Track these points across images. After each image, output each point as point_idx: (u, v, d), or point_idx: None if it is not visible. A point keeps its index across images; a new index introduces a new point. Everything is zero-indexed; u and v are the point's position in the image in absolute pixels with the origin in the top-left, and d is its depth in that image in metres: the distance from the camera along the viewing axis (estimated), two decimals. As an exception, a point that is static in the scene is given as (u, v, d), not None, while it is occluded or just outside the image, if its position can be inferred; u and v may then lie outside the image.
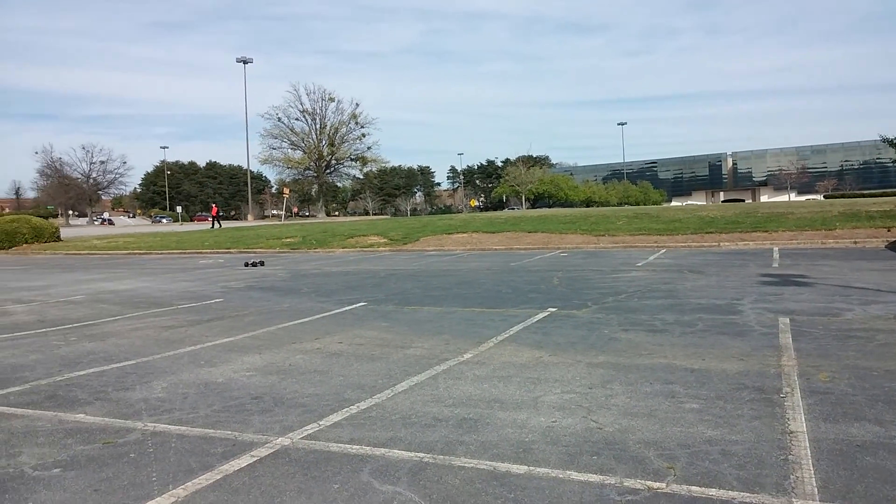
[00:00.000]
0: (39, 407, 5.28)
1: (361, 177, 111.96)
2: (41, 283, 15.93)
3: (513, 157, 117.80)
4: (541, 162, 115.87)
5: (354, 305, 10.49)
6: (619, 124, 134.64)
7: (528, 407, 4.91)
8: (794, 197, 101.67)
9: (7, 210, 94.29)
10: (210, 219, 54.47)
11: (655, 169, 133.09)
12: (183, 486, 3.64)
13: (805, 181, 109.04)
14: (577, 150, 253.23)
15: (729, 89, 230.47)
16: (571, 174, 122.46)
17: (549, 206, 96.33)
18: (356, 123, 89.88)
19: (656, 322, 8.12)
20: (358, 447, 4.18)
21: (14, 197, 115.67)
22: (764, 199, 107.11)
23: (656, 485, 3.47)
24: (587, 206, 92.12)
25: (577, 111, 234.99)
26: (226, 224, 58.35)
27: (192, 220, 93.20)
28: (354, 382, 5.77)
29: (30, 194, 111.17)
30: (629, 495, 3.37)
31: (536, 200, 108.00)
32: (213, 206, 59.06)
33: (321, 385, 5.73)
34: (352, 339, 7.77)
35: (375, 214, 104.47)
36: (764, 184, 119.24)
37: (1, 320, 10.09)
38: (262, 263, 18.01)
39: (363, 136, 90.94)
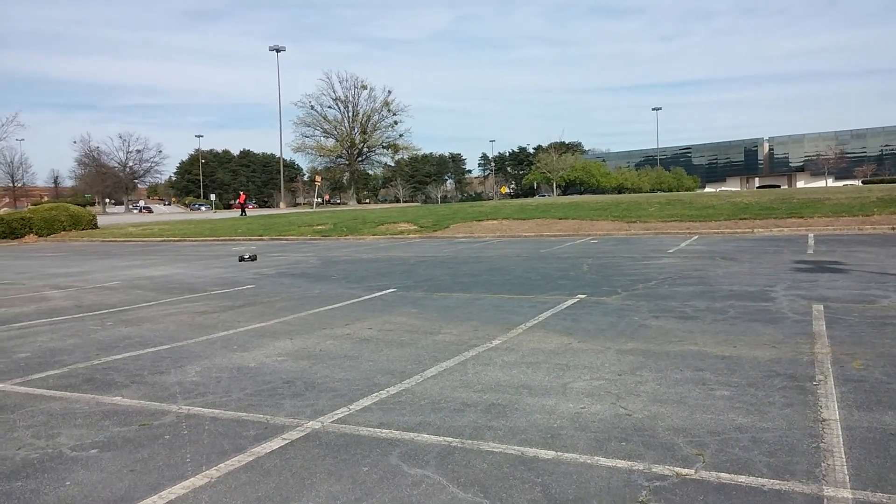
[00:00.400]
0: (77, 390, 5.43)
1: (393, 164, 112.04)
2: (78, 270, 16.33)
3: (544, 144, 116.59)
4: (573, 148, 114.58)
5: (384, 292, 10.56)
6: (653, 109, 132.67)
7: (556, 393, 4.91)
8: (831, 182, 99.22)
9: (46, 198, 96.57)
10: (239, 206, 55.07)
11: (689, 155, 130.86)
12: (216, 468, 3.72)
13: (843, 166, 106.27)
14: (610, 136, 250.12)
15: (766, 73, 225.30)
16: (604, 160, 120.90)
17: (581, 193, 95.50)
18: (388, 111, 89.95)
19: (687, 309, 8.03)
20: (387, 431, 4.22)
21: (53, 186, 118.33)
22: (800, 184, 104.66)
23: (685, 471, 3.45)
24: (619, 192, 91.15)
25: (610, 97, 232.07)
26: (258, 212, 59.04)
27: (230, 208, 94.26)
28: (384, 368, 5.83)
29: (68, 183, 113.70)
30: (657, 481, 3.36)
31: (568, 187, 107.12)
32: (242, 193, 59.84)
33: (351, 370, 5.79)
34: (381, 325, 7.83)
35: (406, 202, 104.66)
36: (801, 169, 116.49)
37: (40, 305, 10.39)
38: (254, 258, 16.95)
39: (395, 123, 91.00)
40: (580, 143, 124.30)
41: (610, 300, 8.92)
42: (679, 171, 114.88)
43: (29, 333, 8.00)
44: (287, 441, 4.11)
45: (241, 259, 16.82)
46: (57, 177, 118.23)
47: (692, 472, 3.45)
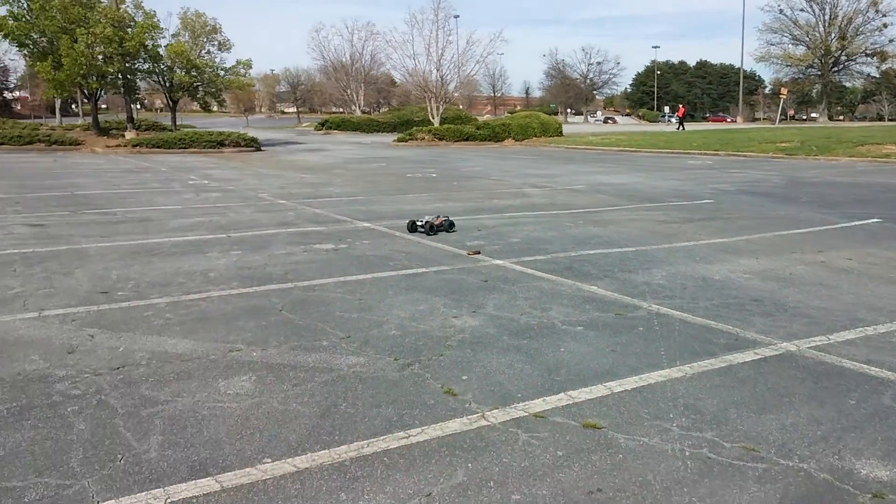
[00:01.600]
0: (560, 275, 6.21)
1: (878, 75, 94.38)
2: (548, 172, 18.23)
3: None
4: None
5: (865, 221, 9.27)
6: None
7: None
8: None
9: (518, 107, 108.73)
10: (677, 120, 53.32)
11: None
12: (689, 365, 3.91)
13: None
14: None
15: None
16: None
17: None
18: (876, 11, 75.11)
19: None
20: (877, 370, 3.83)
21: (524, 96, 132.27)
22: None
23: None
24: None
25: None
26: (709, 126, 56.58)
27: (704, 120, 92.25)
28: (868, 303, 5.22)
29: (536, 94, 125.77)
30: None
31: None
32: (681, 107, 58.07)
33: (828, 300, 5.34)
34: (863, 256, 6.96)
35: (892, 120, 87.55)
36: None
37: (522, 201, 12.00)
38: (436, 229, 8.39)
39: (884, 26, 75.66)
40: None
41: None
42: None
43: (517, 223, 9.37)
44: (759, 356, 4.06)
45: (414, 227, 8.54)
46: (528, 88, 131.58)
47: None
